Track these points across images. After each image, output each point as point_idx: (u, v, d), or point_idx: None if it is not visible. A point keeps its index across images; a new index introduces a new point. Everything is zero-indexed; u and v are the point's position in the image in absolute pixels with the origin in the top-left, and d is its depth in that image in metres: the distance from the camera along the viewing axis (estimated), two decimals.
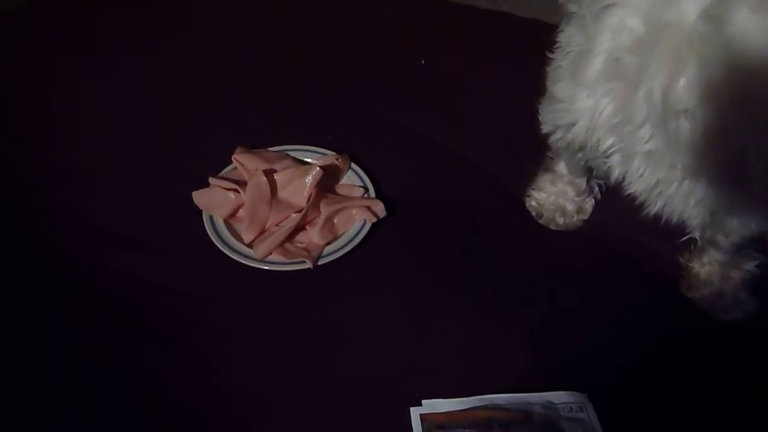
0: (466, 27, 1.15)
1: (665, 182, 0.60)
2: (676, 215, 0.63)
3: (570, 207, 0.85)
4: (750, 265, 0.77)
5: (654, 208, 0.64)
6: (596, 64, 0.58)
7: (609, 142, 0.61)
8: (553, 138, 0.71)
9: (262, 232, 0.76)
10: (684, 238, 0.74)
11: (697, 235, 0.72)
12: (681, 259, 0.80)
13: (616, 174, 0.65)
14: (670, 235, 0.74)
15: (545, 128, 0.71)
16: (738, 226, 0.68)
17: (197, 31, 1.11)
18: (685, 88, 0.50)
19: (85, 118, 0.95)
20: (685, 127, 0.52)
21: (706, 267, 0.77)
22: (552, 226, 0.86)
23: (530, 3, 1.18)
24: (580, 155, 0.70)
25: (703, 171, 0.55)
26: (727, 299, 0.76)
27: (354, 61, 1.05)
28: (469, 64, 1.05)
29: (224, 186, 0.79)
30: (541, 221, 0.86)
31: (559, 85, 0.64)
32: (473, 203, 0.85)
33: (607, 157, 0.63)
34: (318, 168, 0.78)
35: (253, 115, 0.94)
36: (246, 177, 0.81)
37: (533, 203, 0.87)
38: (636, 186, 0.63)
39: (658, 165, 0.59)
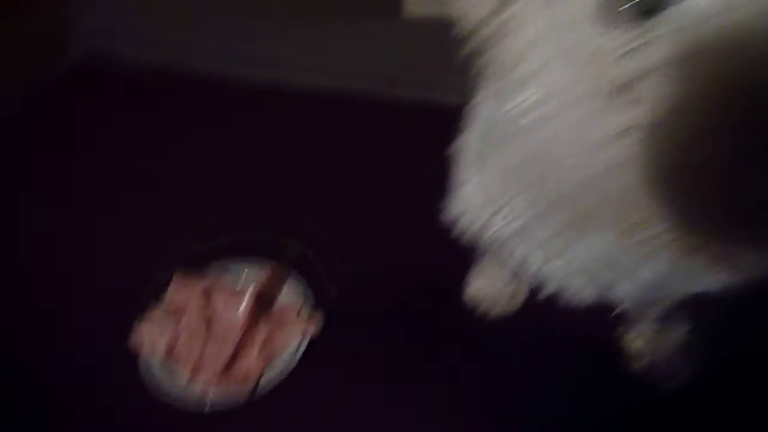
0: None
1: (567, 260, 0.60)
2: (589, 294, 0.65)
3: (507, 291, 0.87)
4: (681, 331, 0.79)
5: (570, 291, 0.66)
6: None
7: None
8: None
9: (199, 366, 0.76)
10: (617, 311, 0.76)
11: (625, 308, 0.74)
12: (618, 332, 0.83)
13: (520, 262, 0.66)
14: (605, 309, 0.77)
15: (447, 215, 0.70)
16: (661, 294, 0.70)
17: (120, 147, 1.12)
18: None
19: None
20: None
21: (640, 338, 0.80)
22: (491, 312, 0.88)
23: None
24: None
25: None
26: (662, 368, 0.78)
27: (288, 163, 1.07)
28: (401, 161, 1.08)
29: (161, 314, 0.79)
30: (480, 308, 0.88)
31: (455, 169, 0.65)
32: (413, 300, 0.87)
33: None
34: (252, 288, 0.79)
35: (188, 234, 0.96)
36: (183, 306, 0.81)
37: (471, 292, 0.89)
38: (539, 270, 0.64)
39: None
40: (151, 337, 0.78)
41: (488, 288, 0.87)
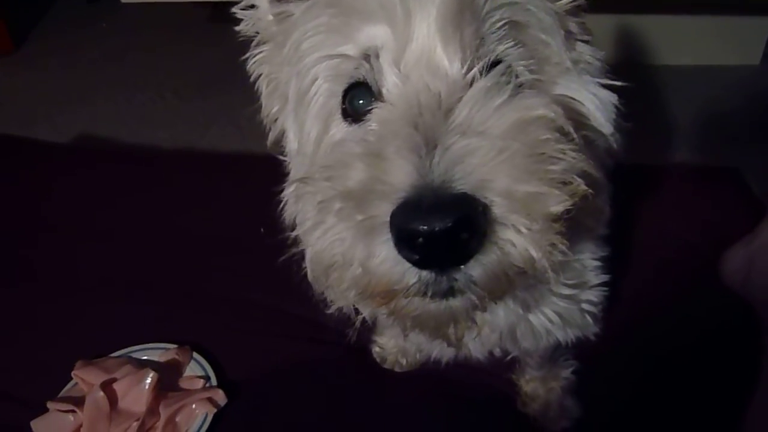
0: None
1: None
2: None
3: (410, 346, 0.91)
4: (567, 373, 0.84)
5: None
6: None
7: None
8: None
9: None
10: (508, 357, 0.81)
11: (516, 355, 0.79)
12: (513, 377, 0.87)
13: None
14: (499, 358, 0.81)
15: None
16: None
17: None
18: None
19: None
20: None
21: (530, 383, 0.84)
22: (396, 369, 0.91)
23: None
24: None
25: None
26: (553, 409, 0.82)
27: (187, 242, 1.10)
28: None
29: (62, 409, 0.79)
30: (386, 366, 0.91)
31: None
32: (319, 365, 0.89)
33: None
34: (153, 372, 0.80)
35: (89, 321, 0.96)
36: (87, 392, 0.81)
37: (377, 349, 0.92)
38: None
39: None
40: (54, 423, 0.78)
41: (392, 345, 0.91)
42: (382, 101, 0.45)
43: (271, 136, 0.60)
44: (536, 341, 0.65)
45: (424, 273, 0.39)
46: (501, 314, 0.60)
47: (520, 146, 0.38)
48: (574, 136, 0.43)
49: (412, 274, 0.39)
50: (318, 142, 0.51)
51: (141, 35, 2.36)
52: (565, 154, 0.40)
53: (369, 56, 0.47)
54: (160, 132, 1.80)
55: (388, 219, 0.37)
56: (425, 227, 0.36)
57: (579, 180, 0.41)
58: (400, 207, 0.37)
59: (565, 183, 0.40)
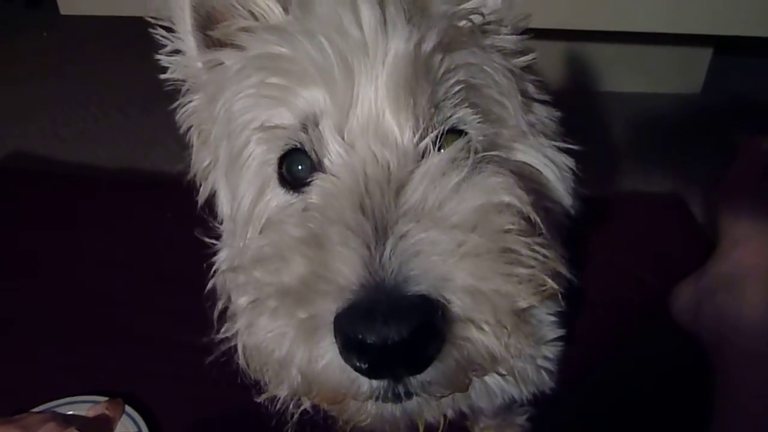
0: None
1: None
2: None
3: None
4: (522, 420, 0.82)
5: None
6: None
7: None
8: None
9: None
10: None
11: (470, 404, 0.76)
12: (467, 424, 0.85)
13: None
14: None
15: None
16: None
17: None
18: None
19: None
20: None
21: (484, 431, 0.82)
22: (352, 422, 0.87)
23: None
24: None
25: None
26: None
27: (120, 277, 1.03)
28: None
29: None
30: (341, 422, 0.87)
31: None
32: (268, 417, 0.84)
33: None
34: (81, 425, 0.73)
35: (5, 371, 0.88)
36: None
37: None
38: None
39: None
40: None
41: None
42: (323, 172, 0.41)
43: (202, 193, 0.55)
44: (491, 400, 0.62)
45: (375, 382, 0.35)
46: None
47: (483, 240, 0.35)
48: (540, 225, 0.39)
49: (361, 383, 0.35)
50: (251, 210, 0.47)
51: (82, 47, 2.25)
52: (534, 251, 0.36)
53: (307, 126, 0.42)
54: (101, 151, 1.71)
55: (332, 320, 0.33)
56: (377, 339, 0.31)
57: (550, 282, 0.37)
58: (346, 311, 0.32)
59: (530, 280, 0.36)
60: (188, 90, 0.55)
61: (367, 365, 0.33)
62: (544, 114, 0.49)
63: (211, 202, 0.57)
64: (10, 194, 1.25)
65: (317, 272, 0.34)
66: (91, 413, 0.79)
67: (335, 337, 0.33)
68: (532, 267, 0.36)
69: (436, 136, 0.41)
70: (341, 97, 0.41)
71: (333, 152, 0.41)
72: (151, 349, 0.91)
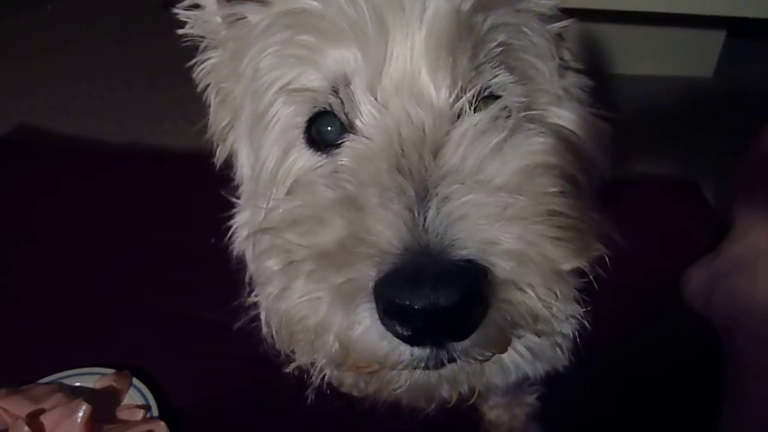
0: None
1: None
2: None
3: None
4: (531, 399, 0.82)
5: None
6: None
7: None
8: None
9: None
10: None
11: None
12: (476, 403, 0.84)
13: None
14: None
15: None
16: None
17: None
18: None
19: None
20: None
21: (493, 409, 0.81)
22: (355, 392, 0.86)
23: None
24: None
25: None
26: None
27: (129, 250, 1.02)
28: None
29: None
30: (343, 389, 0.87)
31: None
32: (273, 391, 0.84)
33: None
34: (86, 404, 0.73)
35: (13, 342, 0.87)
36: (10, 425, 0.73)
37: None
38: None
39: None
40: None
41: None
42: (355, 134, 0.39)
43: (220, 154, 0.54)
44: (505, 377, 0.61)
45: (417, 350, 0.33)
46: None
47: (529, 203, 0.33)
48: (586, 186, 0.38)
49: (402, 351, 0.33)
50: (276, 171, 0.45)
51: (89, 21, 2.22)
52: (581, 213, 0.35)
53: (337, 89, 0.40)
54: (107, 126, 1.69)
55: (372, 285, 0.31)
56: (425, 305, 0.30)
57: (597, 244, 0.36)
58: (390, 275, 0.31)
59: (578, 242, 0.35)
60: (207, 47, 0.53)
61: (410, 332, 0.32)
62: (577, 82, 0.47)
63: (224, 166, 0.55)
64: (16, 168, 1.24)
65: (357, 234, 0.32)
66: (98, 385, 0.79)
67: (376, 302, 0.32)
68: (580, 230, 0.34)
69: (472, 97, 0.39)
70: (374, 55, 0.39)
71: (365, 113, 0.39)
72: (158, 322, 0.90)
